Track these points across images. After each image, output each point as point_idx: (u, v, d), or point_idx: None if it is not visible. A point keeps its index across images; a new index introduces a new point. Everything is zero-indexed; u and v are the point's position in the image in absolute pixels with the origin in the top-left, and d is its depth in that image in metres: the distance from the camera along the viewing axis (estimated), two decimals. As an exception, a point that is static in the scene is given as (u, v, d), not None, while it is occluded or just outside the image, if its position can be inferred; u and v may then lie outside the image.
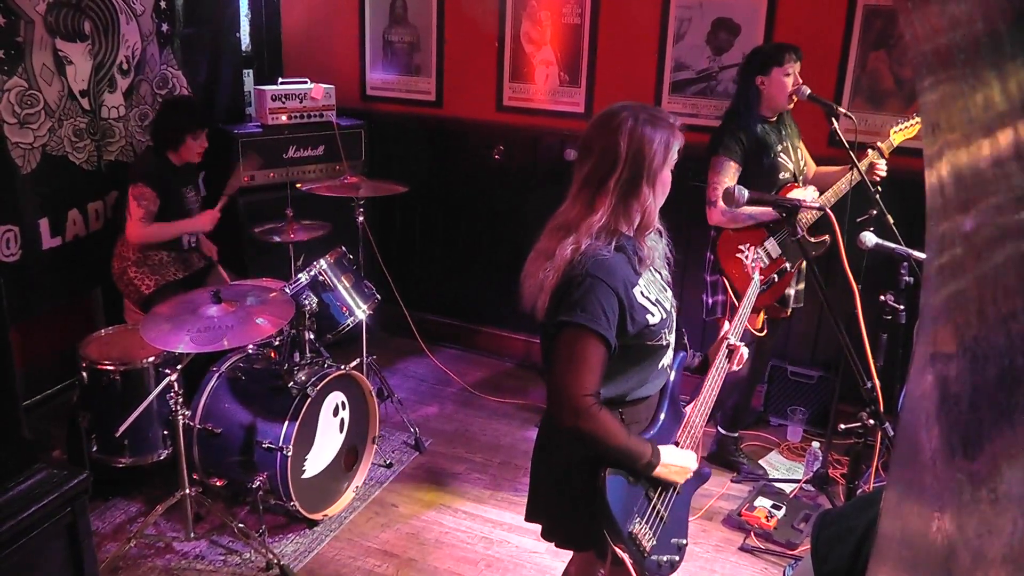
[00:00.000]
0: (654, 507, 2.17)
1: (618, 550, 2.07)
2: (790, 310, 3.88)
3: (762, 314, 3.77)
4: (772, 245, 3.67)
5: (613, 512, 2.05)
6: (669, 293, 2.25)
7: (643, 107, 2.11)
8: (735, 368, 2.47)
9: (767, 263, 3.66)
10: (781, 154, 3.67)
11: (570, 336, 2.01)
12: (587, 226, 2.06)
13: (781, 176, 3.67)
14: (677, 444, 2.27)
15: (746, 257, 2.72)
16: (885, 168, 3.64)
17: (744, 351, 2.46)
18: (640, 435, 2.17)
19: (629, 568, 2.09)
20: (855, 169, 3.51)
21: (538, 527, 2.36)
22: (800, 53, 3.61)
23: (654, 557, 2.15)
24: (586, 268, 2.01)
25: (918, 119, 3.62)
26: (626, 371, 2.13)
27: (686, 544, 2.31)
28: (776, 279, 3.69)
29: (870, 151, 3.61)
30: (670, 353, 2.26)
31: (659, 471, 2.11)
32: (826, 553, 1.57)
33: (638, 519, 2.11)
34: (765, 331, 3.80)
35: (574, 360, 2.00)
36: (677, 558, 2.26)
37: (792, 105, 3.67)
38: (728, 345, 2.42)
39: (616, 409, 2.13)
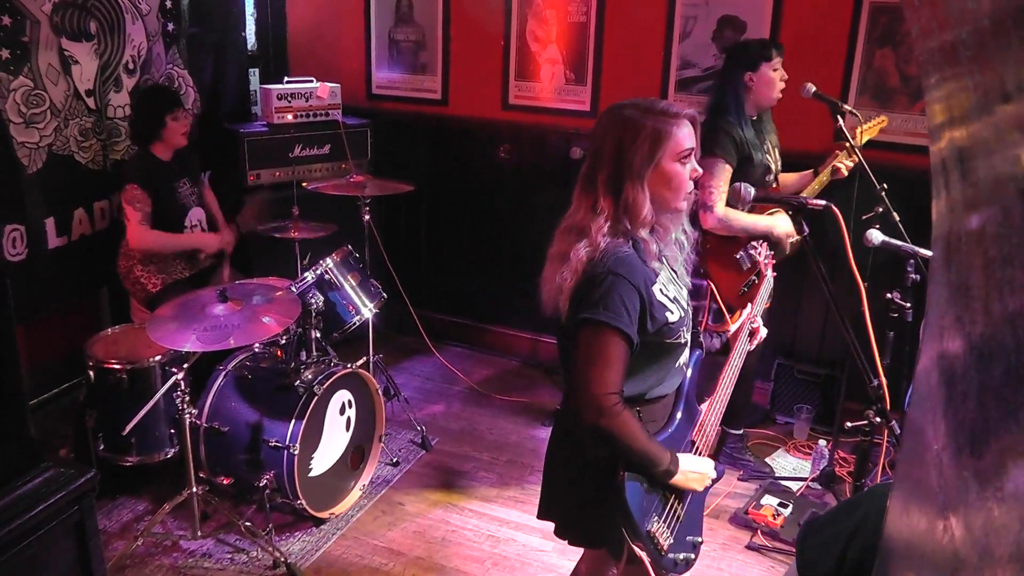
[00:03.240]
0: (671, 506, 2.17)
1: (636, 548, 2.08)
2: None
3: (737, 314, 3.77)
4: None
5: (632, 510, 2.05)
6: (685, 292, 2.24)
7: (642, 102, 2.08)
8: (753, 346, 2.55)
9: (749, 266, 3.65)
10: (766, 154, 3.66)
11: (592, 333, 2.00)
12: (596, 227, 2.04)
13: (767, 177, 3.65)
14: (693, 443, 2.28)
15: (759, 253, 2.73)
16: (847, 169, 3.64)
17: (763, 331, 2.55)
18: (657, 434, 2.17)
19: (647, 566, 2.10)
20: (859, 160, 3.50)
21: (546, 525, 2.36)
22: (783, 49, 3.61)
23: (671, 555, 2.16)
24: (607, 266, 2.00)
25: (882, 118, 3.65)
26: (645, 369, 2.13)
27: (701, 542, 2.32)
28: (755, 281, 3.69)
29: (838, 151, 3.62)
30: (687, 352, 2.26)
31: (677, 479, 2.10)
32: (814, 560, 1.57)
33: (656, 518, 2.12)
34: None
35: (597, 357, 1.99)
36: (693, 556, 2.27)
37: (775, 103, 3.66)
38: (751, 328, 2.49)
39: (634, 407, 2.12)
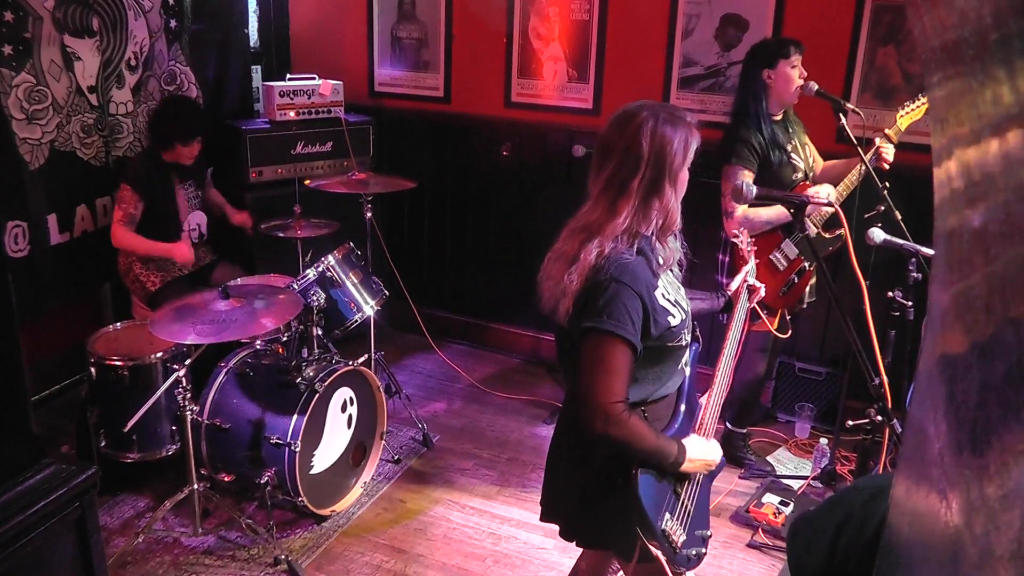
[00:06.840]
0: (681, 502, 2.19)
1: (652, 547, 2.08)
2: (806, 304, 3.86)
3: (780, 314, 3.75)
4: (788, 246, 3.65)
5: (647, 510, 2.06)
6: (683, 292, 2.25)
7: (662, 106, 2.10)
8: (753, 303, 2.57)
9: (785, 265, 3.64)
10: (792, 153, 3.64)
11: (597, 342, 2.00)
12: (611, 229, 2.04)
13: (794, 176, 3.64)
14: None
15: (741, 241, 2.73)
16: (892, 155, 3.61)
17: (762, 288, 2.54)
18: (662, 431, 2.17)
19: (663, 565, 2.11)
20: (864, 164, 3.49)
21: (548, 524, 2.36)
22: (802, 47, 3.60)
23: (684, 551, 2.18)
24: (610, 273, 1.99)
25: (924, 100, 3.59)
26: (649, 373, 2.13)
27: (710, 535, 2.34)
28: (796, 280, 3.68)
29: (877, 139, 3.59)
30: (688, 352, 2.27)
31: (686, 466, 2.12)
32: (801, 561, 1.57)
33: (668, 515, 2.13)
34: (790, 332, 3.75)
35: (602, 366, 1.99)
36: (704, 550, 2.30)
37: (797, 100, 3.65)
38: (748, 285, 2.50)
39: (639, 408, 2.13)
